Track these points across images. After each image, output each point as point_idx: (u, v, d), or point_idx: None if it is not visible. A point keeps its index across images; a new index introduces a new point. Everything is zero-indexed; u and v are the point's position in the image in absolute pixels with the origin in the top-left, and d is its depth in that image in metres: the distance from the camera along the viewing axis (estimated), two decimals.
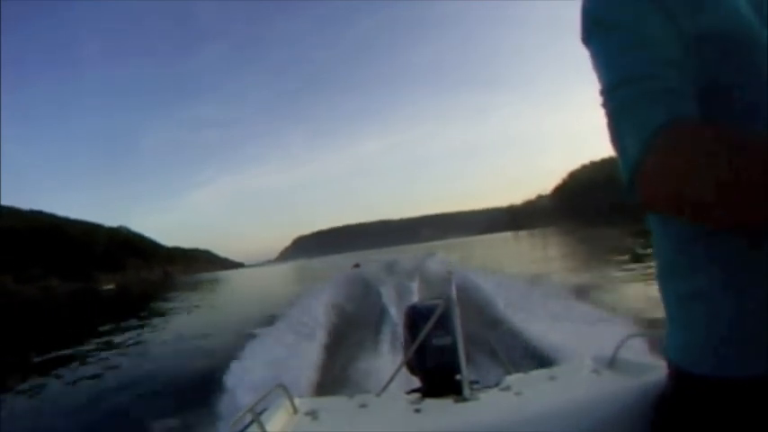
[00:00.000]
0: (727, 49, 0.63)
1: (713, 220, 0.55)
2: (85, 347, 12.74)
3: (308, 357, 5.80)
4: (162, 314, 22.18)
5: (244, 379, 5.14)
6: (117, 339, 14.01)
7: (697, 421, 0.72)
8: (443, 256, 24.60)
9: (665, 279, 0.76)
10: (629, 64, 0.62)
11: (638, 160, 0.59)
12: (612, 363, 1.54)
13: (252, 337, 7.72)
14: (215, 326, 13.98)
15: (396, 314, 7.95)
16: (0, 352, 14.23)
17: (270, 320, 9.14)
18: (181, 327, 16.51)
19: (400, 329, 1.92)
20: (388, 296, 10.72)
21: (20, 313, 37.35)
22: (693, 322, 0.71)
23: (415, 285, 12.20)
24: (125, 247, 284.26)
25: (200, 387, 5.40)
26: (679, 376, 0.75)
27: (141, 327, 17.06)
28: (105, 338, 14.36)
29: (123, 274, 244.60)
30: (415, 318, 1.75)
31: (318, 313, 8.80)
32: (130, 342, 13.44)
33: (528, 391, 1.45)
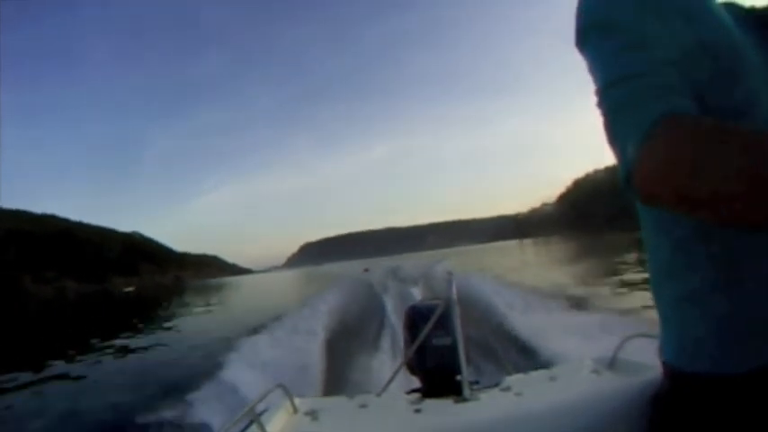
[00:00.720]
0: (718, 61, 0.65)
1: (713, 214, 0.53)
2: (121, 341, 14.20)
3: (309, 357, 5.83)
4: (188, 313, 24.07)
5: (244, 378, 5.18)
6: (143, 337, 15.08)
7: (693, 419, 0.72)
8: (450, 263, 24.93)
9: (661, 280, 0.76)
10: (627, 63, 0.63)
11: (635, 154, 0.58)
12: (612, 363, 1.55)
13: (256, 335, 7.90)
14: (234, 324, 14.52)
15: (397, 316, 8.03)
16: (46, 345, 15.49)
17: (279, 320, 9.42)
18: (204, 325, 17.88)
19: (400, 330, 1.91)
20: (391, 300, 11.23)
21: (67, 311, 38.83)
22: (690, 322, 0.71)
23: (417, 291, 12.69)
24: (138, 252, 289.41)
25: (200, 387, 5.45)
26: (674, 375, 0.75)
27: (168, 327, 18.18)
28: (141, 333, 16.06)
29: (138, 278, 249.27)
30: (415, 318, 1.76)
31: (321, 314, 8.92)
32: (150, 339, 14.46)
33: (528, 392, 1.45)
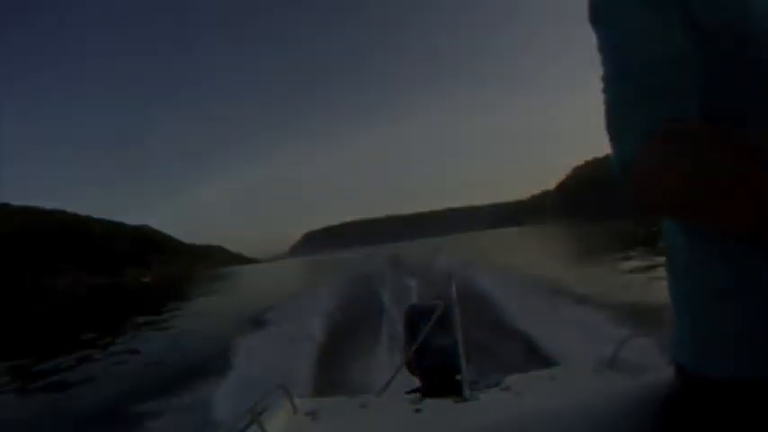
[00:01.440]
0: (748, 44, 0.62)
1: (703, 223, 0.54)
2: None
3: (309, 357, 5.84)
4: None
5: (243, 378, 5.24)
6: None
7: (705, 423, 0.70)
8: (450, 252, 25.88)
9: (679, 279, 0.74)
10: (631, 56, 0.61)
11: (630, 159, 0.58)
12: (612, 363, 1.54)
13: (257, 332, 8.04)
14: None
15: (396, 312, 8.02)
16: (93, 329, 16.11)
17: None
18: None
19: (400, 328, 1.91)
20: (391, 291, 11.27)
21: (98, 303, 39.42)
22: (705, 323, 0.69)
23: (414, 283, 12.68)
24: (148, 244, 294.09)
25: (200, 388, 5.49)
26: (686, 377, 0.73)
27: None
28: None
29: (150, 270, 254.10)
30: (415, 318, 1.76)
31: (320, 309, 8.96)
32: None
33: (528, 391, 1.45)
